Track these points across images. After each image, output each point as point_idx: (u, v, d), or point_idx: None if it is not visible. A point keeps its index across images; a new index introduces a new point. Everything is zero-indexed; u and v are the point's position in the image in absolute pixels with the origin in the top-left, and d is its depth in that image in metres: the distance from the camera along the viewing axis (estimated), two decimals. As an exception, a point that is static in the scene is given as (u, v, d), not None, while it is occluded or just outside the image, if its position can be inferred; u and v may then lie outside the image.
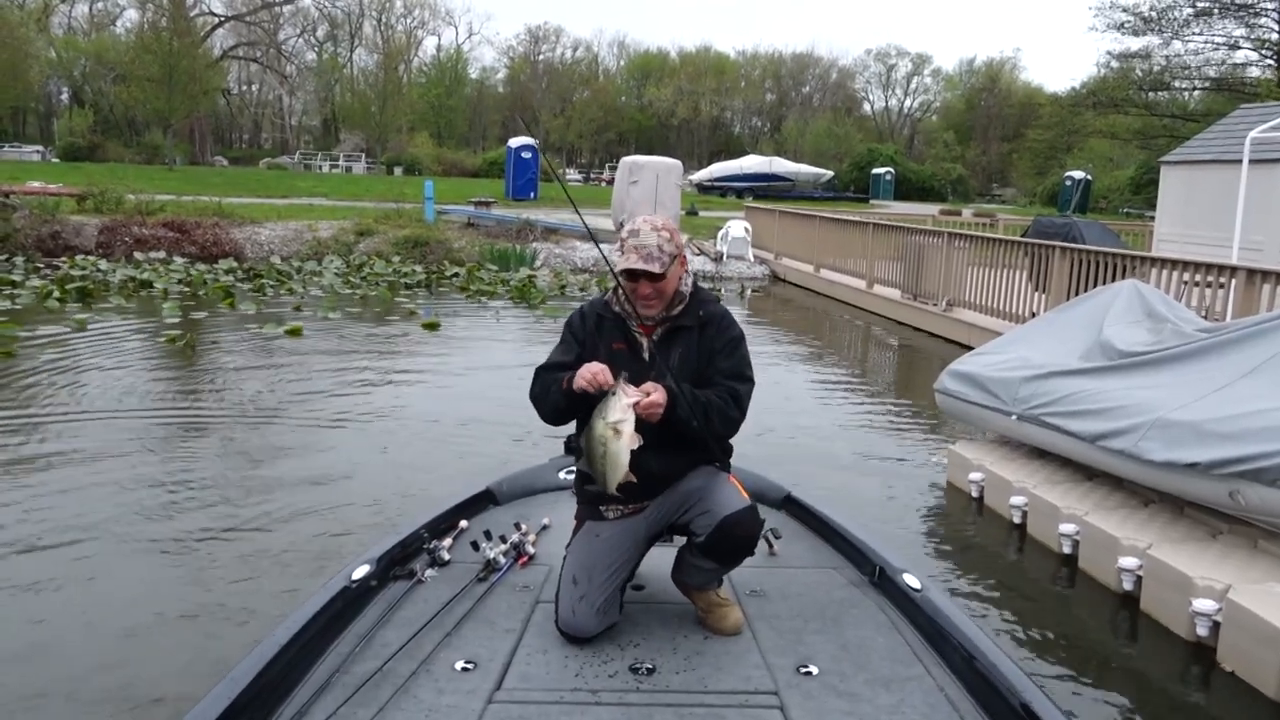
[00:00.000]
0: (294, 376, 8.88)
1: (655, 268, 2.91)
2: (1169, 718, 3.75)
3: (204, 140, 60.93)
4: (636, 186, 21.29)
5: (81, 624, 4.04)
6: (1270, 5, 36.77)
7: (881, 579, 3.35)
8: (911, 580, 3.21)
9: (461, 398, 8.33)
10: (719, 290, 17.78)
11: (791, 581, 3.38)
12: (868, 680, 2.72)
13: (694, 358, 3.04)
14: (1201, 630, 4.06)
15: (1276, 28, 37.48)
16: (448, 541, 3.52)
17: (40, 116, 68.59)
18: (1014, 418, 5.91)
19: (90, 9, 71.57)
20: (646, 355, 3.05)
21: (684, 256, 3.06)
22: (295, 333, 10.95)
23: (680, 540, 3.15)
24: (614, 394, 2.77)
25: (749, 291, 18.33)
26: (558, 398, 2.96)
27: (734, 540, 2.96)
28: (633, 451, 2.78)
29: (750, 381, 3.10)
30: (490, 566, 3.35)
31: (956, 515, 5.98)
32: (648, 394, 2.81)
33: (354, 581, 3.08)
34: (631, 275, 2.96)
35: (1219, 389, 4.80)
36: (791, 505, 4.07)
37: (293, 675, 2.62)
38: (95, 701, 3.48)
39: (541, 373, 3.07)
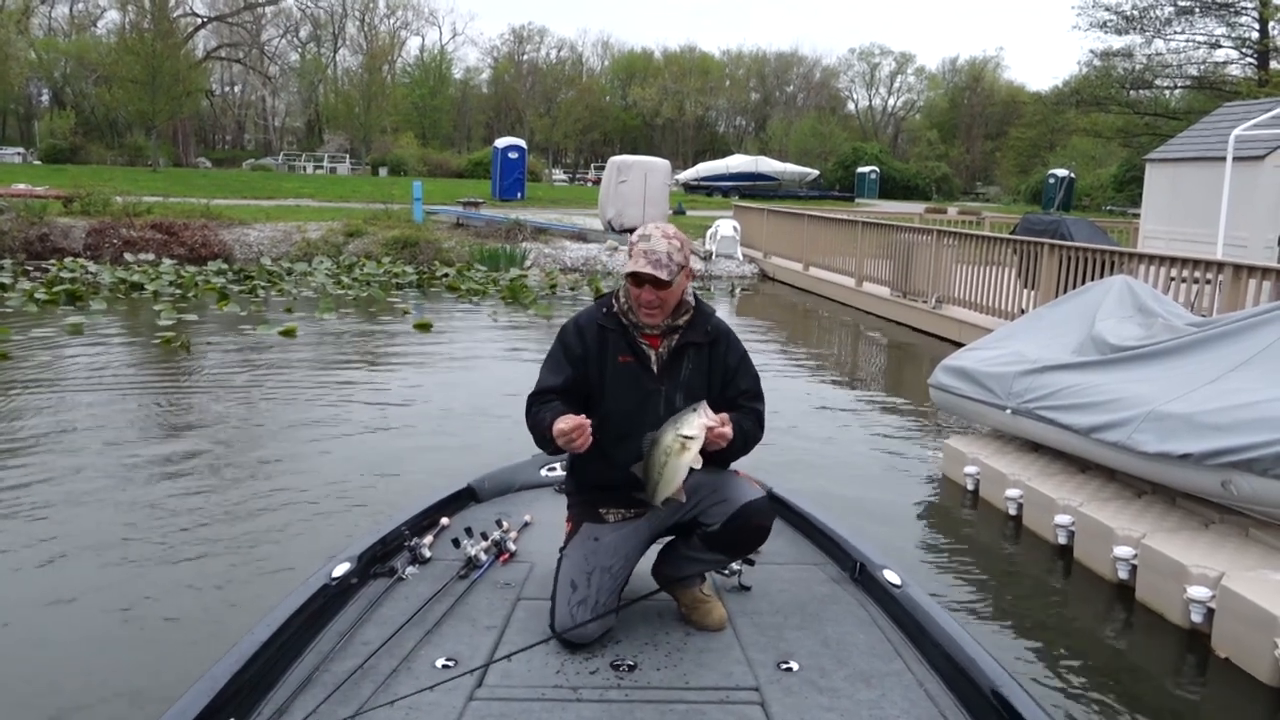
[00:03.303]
0: (289, 376, 8.90)
1: (663, 274, 2.88)
2: (1166, 703, 3.83)
3: (187, 142, 60.64)
4: (625, 185, 21.36)
5: (64, 623, 4.08)
6: (1250, 4, 37.11)
7: (863, 575, 3.37)
8: (892, 576, 3.23)
9: (450, 396, 8.35)
10: (708, 289, 17.88)
11: (773, 578, 3.38)
12: (848, 676, 2.73)
13: (704, 374, 3.03)
14: (1196, 617, 4.15)
15: (1256, 26, 37.82)
16: (429, 539, 3.50)
17: (20, 118, 67.95)
18: (1008, 411, 6.00)
19: (70, 10, 71.08)
20: (655, 368, 3.01)
21: (690, 269, 3.04)
22: (290, 333, 10.96)
23: (667, 536, 3.15)
24: (695, 410, 2.75)
25: (738, 290, 18.41)
26: (550, 444, 2.90)
27: (750, 529, 2.98)
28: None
29: (763, 397, 3.14)
30: (471, 564, 3.34)
31: (952, 508, 6.07)
32: (723, 423, 2.81)
33: (334, 579, 3.07)
34: (637, 280, 2.92)
35: (1210, 381, 4.90)
36: (774, 502, 4.01)
37: (272, 673, 2.62)
38: (70, 703, 3.48)
39: (534, 401, 3.01)
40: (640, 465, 2.83)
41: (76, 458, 6.24)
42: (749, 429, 3.01)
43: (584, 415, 2.83)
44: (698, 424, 2.73)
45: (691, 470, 2.79)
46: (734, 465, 3.14)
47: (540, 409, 2.96)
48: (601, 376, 3.00)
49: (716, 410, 2.95)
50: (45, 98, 69.28)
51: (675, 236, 2.98)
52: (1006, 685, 2.54)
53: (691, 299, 3.08)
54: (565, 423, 2.79)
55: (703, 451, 2.80)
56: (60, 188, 22.59)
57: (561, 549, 3.09)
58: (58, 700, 3.48)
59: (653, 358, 3.02)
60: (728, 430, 2.83)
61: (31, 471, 5.94)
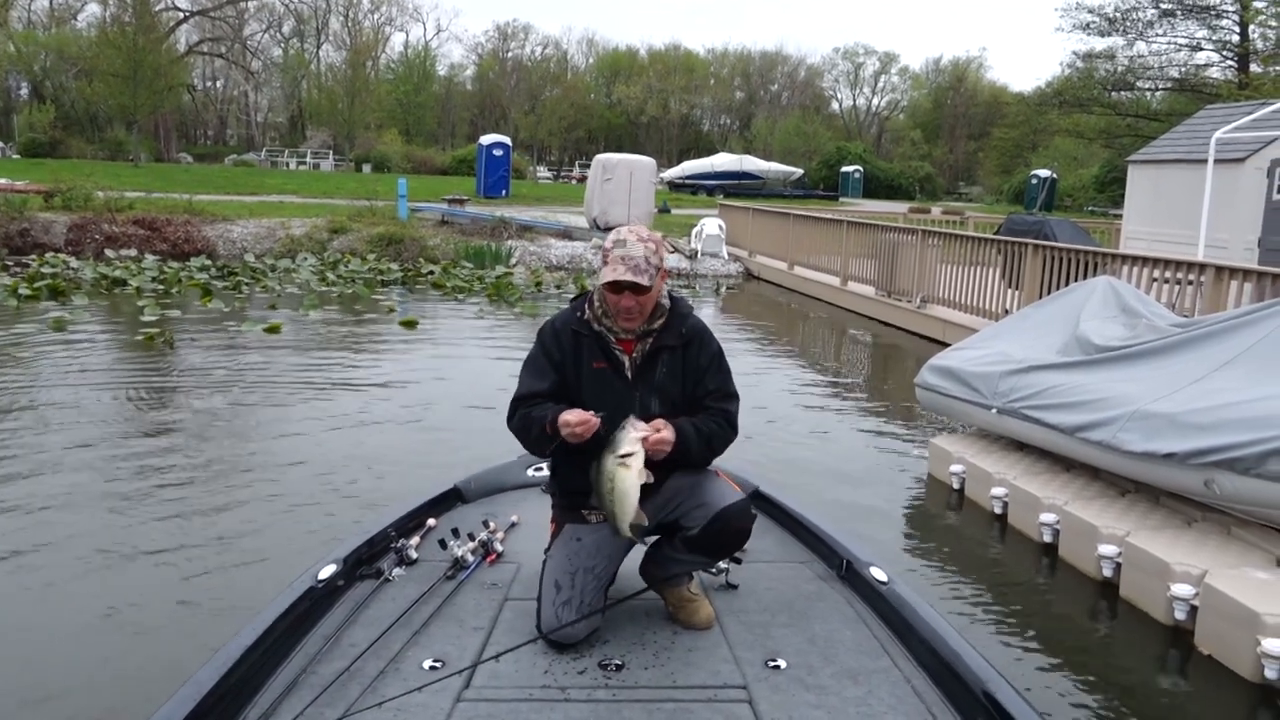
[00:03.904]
0: (272, 372, 8.86)
1: (643, 280, 2.85)
2: (1150, 699, 3.87)
3: (169, 137, 60.12)
4: (610, 184, 21.38)
5: (46, 624, 4.05)
6: (1230, 7, 37.47)
7: (849, 572, 3.37)
8: (878, 573, 3.24)
9: (436, 393, 8.35)
10: (694, 288, 17.90)
11: (760, 576, 3.38)
12: (835, 673, 2.74)
13: (679, 376, 3.02)
14: (1179, 614, 4.19)
15: (1237, 30, 38.20)
16: (415, 540, 3.49)
17: (-2, 112, 67.32)
18: (994, 411, 6.04)
19: (50, 3, 70.25)
20: (629, 373, 3.00)
21: (665, 270, 3.02)
22: (274, 330, 10.92)
23: (651, 536, 3.14)
24: (624, 428, 2.76)
25: (724, 289, 18.45)
26: (544, 440, 2.91)
27: (730, 532, 2.98)
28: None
29: (737, 397, 3.12)
30: (458, 564, 3.33)
31: (938, 507, 6.10)
32: (657, 430, 2.80)
33: (320, 581, 3.05)
34: (616, 288, 2.89)
35: (1194, 381, 4.96)
36: (760, 500, 4.06)
37: (258, 677, 2.60)
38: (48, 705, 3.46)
39: (518, 405, 3.00)
40: (594, 498, 2.85)
41: (57, 453, 6.20)
42: (710, 430, 2.99)
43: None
44: (630, 439, 2.74)
45: (648, 487, 2.79)
46: (716, 464, 3.14)
47: (531, 409, 2.95)
48: (578, 381, 3.00)
49: (688, 412, 2.97)
50: (24, 91, 68.44)
51: (649, 239, 2.95)
52: (993, 681, 2.55)
53: (666, 300, 3.07)
54: (574, 415, 2.80)
55: (668, 460, 2.81)
56: (40, 182, 22.35)
57: (546, 550, 3.09)
58: (38, 707, 3.44)
59: (626, 363, 3.01)
60: (667, 434, 2.82)
61: (10, 467, 5.90)
